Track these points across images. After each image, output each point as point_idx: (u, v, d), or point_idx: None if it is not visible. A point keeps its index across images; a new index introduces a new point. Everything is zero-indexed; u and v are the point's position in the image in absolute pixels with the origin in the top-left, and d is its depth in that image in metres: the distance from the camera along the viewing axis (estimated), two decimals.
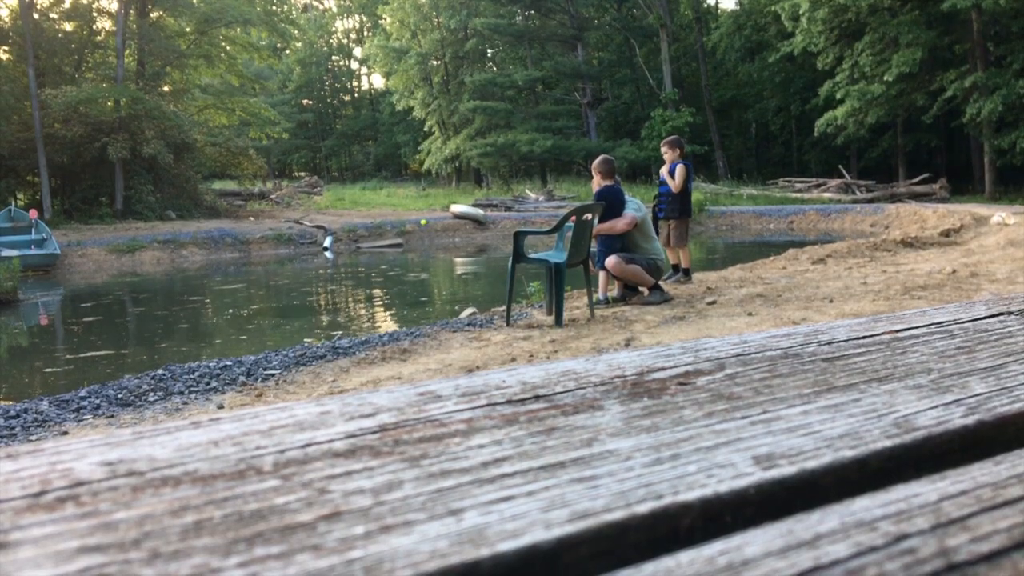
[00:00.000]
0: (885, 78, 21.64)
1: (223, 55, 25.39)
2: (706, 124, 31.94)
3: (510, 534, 0.32)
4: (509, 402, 0.49)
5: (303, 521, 0.33)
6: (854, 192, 22.70)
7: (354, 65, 54.98)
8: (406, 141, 44.70)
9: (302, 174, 44.28)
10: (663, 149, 7.58)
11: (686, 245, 7.60)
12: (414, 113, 38.44)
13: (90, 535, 0.32)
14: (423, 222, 19.67)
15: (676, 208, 7.44)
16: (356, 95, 55.07)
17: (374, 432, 0.43)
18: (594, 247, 6.28)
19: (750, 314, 5.69)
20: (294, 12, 39.75)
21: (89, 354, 7.10)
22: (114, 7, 23.74)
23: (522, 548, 0.31)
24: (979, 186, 23.79)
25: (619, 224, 6.24)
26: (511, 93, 36.22)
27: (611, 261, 6.27)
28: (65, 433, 3.79)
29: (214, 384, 4.60)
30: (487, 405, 0.48)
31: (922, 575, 0.30)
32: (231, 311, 10.09)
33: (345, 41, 55.72)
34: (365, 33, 52.86)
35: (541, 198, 24.86)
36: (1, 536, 0.32)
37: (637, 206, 6.43)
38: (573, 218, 5.81)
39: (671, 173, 7.43)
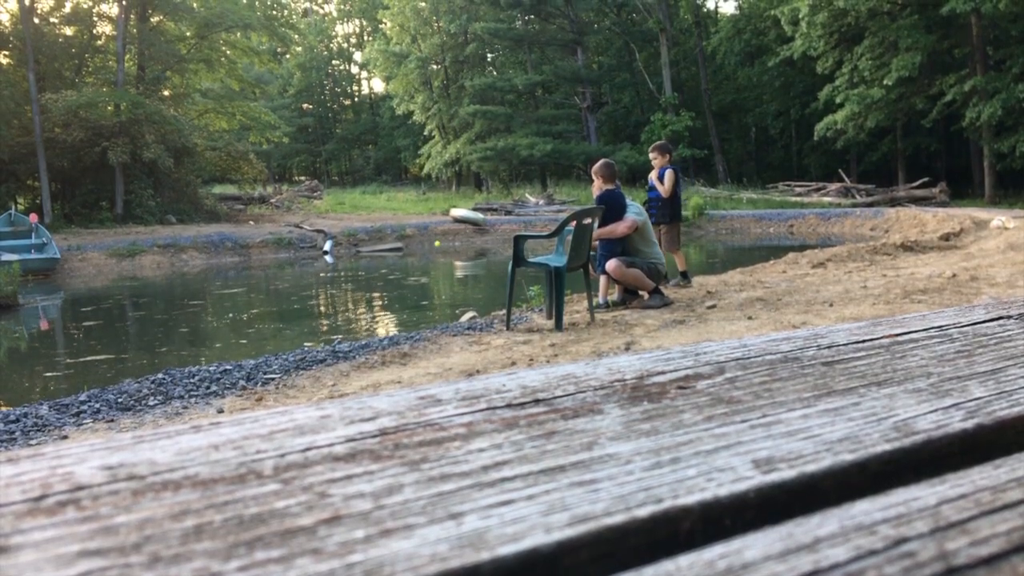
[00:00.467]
0: (885, 82, 21.66)
1: (223, 59, 25.43)
2: (706, 128, 31.98)
3: (510, 538, 0.32)
4: (509, 406, 0.49)
5: (303, 525, 0.33)
6: (854, 196, 22.71)
7: (354, 69, 55.08)
8: (406, 145, 44.74)
9: (302, 178, 44.23)
10: (652, 155, 7.66)
11: (679, 249, 7.66)
12: (414, 117, 38.48)
13: (91, 539, 0.32)
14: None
15: (667, 213, 7.51)
16: (356, 99, 55.12)
17: (374, 436, 0.43)
18: (594, 251, 6.28)
19: (750, 318, 5.69)
20: (294, 17, 39.79)
21: (89, 358, 7.10)
22: (114, 12, 23.79)
23: (522, 552, 0.31)
24: (979, 190, 23.79)
25: (619, 228, 6.25)
26: (511, 97, 36.27)
27: (612, 265, 6.27)
28: (65, 437, 3.79)
29: (214, 388, 4.59)
30: (487, 409, 0.48)
31: None
32: (231, 315, 10.08)
33: (345, 45, 55.79)
34: (365, 37, 52.92)
35: (541, 202, 24.89)
36: (2, 540, 0.32)
37: (638, 210, 6.44)
38: (573, 222, 5.81)
39: (660, 178, 7.49)
